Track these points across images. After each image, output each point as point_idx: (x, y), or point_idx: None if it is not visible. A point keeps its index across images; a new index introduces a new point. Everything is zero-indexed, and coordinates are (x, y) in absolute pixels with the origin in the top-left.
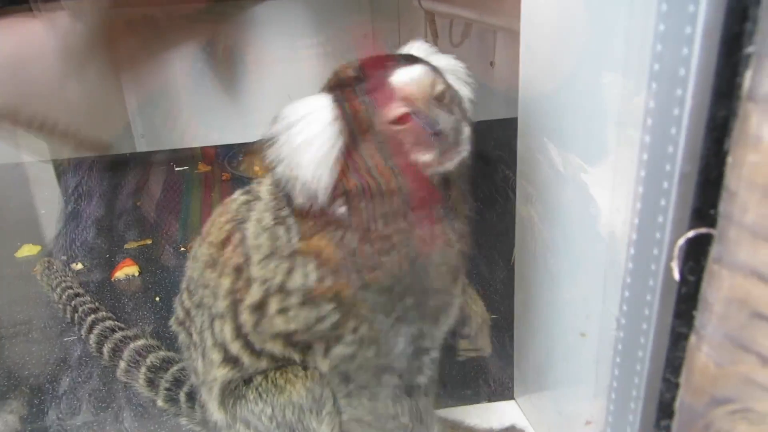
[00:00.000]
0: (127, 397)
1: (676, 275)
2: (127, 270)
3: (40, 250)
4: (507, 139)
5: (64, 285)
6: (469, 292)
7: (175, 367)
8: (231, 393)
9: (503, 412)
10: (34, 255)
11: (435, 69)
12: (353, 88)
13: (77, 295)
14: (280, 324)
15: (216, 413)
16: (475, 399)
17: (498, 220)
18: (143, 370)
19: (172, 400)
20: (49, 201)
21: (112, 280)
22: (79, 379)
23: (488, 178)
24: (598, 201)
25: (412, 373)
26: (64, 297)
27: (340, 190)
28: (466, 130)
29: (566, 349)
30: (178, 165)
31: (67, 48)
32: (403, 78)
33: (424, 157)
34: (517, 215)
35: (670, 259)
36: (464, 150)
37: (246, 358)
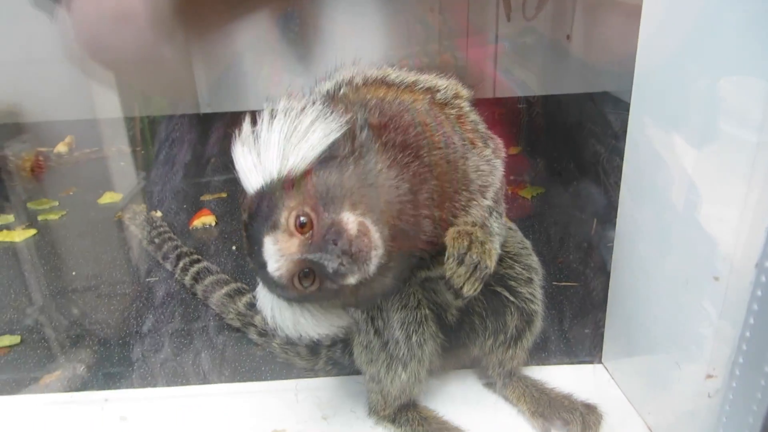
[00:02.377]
0: (209, 337)
1: None
2: (204, 219)
3: (122, 197)
4: (586, 113)
5: (158, 229)
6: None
7: None
8: None
9: (589, 375)
10: (116, 202)
11: None
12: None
13: (170, 239)
14: None
15: None
16: (558, 360)
17: (582, 189)
18: (248, 296)
19: None
20: (124, 154)
21: (190, 228)
22: (162, 317)
23: (568, 150)
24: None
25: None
26: (158, 240)
27: None
28: None
29: (679, 302)
30: None
31: (154, 12)
32: None
33: None
34: (623, 180)
35: None
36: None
37: None
